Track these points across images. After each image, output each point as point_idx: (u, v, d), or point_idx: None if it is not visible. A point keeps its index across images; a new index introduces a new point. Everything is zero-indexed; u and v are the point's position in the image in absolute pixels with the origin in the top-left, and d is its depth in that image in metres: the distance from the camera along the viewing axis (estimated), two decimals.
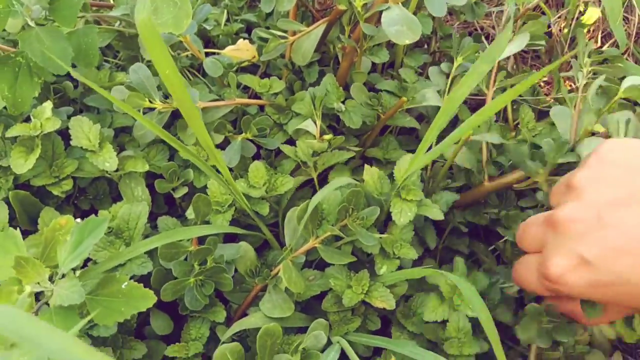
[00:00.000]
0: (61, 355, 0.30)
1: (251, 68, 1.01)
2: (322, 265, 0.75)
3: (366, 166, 0.76)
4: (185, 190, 0.79)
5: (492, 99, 0.86)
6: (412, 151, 0.79)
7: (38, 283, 0.57)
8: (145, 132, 0.80)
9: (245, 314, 0.73)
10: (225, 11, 1.10)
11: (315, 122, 0.79)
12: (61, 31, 0.74)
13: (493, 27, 1.34)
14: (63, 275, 0.58)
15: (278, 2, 0.75)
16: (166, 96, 0.80)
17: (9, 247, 0.60)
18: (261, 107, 0.89)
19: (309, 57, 0.85)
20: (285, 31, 0.85)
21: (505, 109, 0.94)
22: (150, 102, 0.76)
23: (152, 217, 0.76)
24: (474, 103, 1.11)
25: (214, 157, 0.66)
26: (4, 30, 0.78)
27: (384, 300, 0.67)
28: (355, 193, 0.68)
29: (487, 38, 1.32)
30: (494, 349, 0.57)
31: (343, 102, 0.81)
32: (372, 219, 0.70)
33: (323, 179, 0.86)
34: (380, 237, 0.71)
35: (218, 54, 0.94)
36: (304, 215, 0.68)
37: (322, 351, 0.63)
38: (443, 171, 0.82)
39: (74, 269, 0.63)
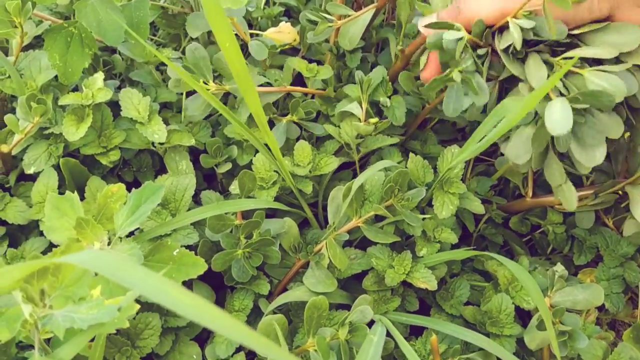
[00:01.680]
0: (156, 295, 0.31)
1: (290, 51, 1.02)
2: (361, 247, 0.76)
3: (411, 154, 0.77)
4: (229, 166, 0.80)
5: None
6: (450, 142, 0.81)
7: (96, 244, 0.58)
8: (195, 113, 0.80)
9: (285, 289, 0.74)
10: None
11: (361, 105, 0.79)
12: (115, 3, 0.75)
13: None
14: (120, 239, 0.59)
15: None
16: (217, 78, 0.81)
17: (66, 209, 0.62)
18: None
19: (356, 42, 0.85)
20: (331, 15, 0.86)
21: None
22: (205, 83, 0.76)
23: (194, 193, 0.77)
24: None
25: (267, 134, 0.67)
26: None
27: (426, 281, 0.68)
28: (402, 174, 0.69)
29: None
30: (551, 343, 0.58)
31: (389, 97, 0.82)
32: (416, 200, 0.70)
33: (363, 164, 0.86)
34: (424, 219, 0.72)
35: (260, 35, 0.95)
36: (348, 194, 0.69)
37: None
38: (491, 180, 0.84)
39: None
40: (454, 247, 0.77)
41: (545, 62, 0.60)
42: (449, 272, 0.78)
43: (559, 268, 0.71)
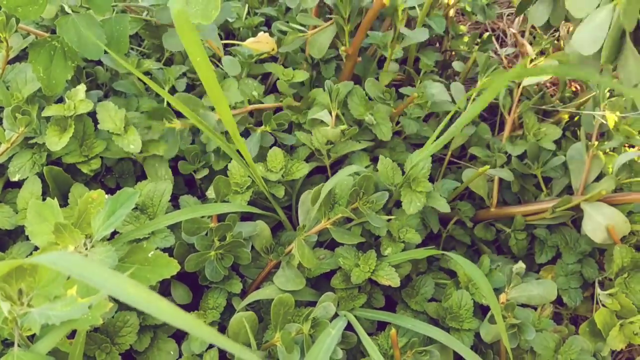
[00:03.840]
0: (119, 293, 0.35)
1: (270, 60, 1.06)
2: (332, 247, 0.80)
3: (380, 156, 0.81)
4: (206, 171, 0.84)
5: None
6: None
7: (74, 248, 0.62)
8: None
9: (258, 288, 0.78)
10: (247, 5, 1.15)
11: (330, 113, 0.83)
12: (96, 18, 0.79)
13: (503, 31, 1.38)
14: (96, 242, 0.63)
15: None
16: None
17: (47, 214, 0.66)
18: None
19: (324, 51, 0.89)
20: (305, 25, 0.90)
21: (510, 112, 0.99)
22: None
23: (174, 198, 0.81)
24: None
25: (238, 143, 0.71)
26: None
27: (390, 278, 0.72)
28: (366, 178, 0.73)
29: (497, 39, 1.37)
30: (501, 335, 0.62)
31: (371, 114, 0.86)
32: (381, 203, 0.74)
33: (336, 169, 0.91)
34: (389, 220, 0.76)
35: (239, 45, 0.99)
36: (318, 198, 0.73)
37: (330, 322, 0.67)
38: (456, 193, 0.88)
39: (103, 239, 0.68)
40: (421, 246, 0.81)
41: None
42: (415, 270, 0.82)
43: (518, 265, 0.75)
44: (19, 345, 0.52)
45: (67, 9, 0.77)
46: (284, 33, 0.89)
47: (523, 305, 0.74)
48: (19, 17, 0.78)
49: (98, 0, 0.78)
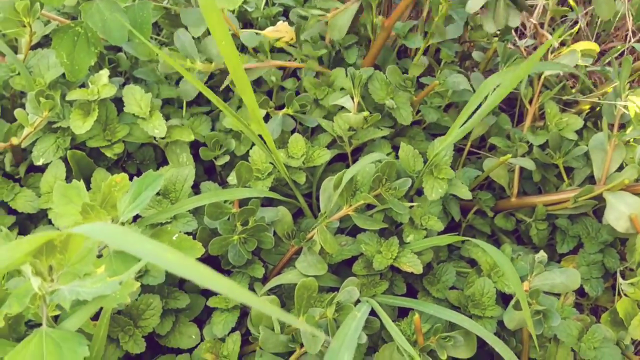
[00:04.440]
0: (158, 259, 0.35)
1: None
2: (353, 234, 0.80)
3: (402, 144, 0.81)
4: (227, 158, 0.85)
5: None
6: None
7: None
8: (188, 89, 0.85)
9: (280, 274, 0.78)
10: None
11: (353, 99, 0.83)
12: (119, 4, 0.79)
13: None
14: (122, 224, 0.63)
15: None
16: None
17: (72, 196, 0.66)
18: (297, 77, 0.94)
19: (344, 32, 0.89)
20: (325, 10, 0.90)
21: (531, 101, 0.98)
22: (191, 62, 0.81)
23: (194, 185, 0.81)
24: None
25: (261, 127, 0.71)
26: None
27: (412, 265, 0.72)
28: (389, 164, 0.73)
29: (516, 31, 1.36)
30: (527, 321, 0.62)
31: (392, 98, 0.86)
32: (403, 189, 0.74)
33: (357, 156, 0.90)
34: (411, 207, 0.76)
35: (258, 34, 0.99)
36: (339, 185, 0.73)
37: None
38: (477, 182, 0.87)
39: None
40: (442, 235, 0.81)
41: None
42: (436, 258, 0.81)
43: (540, 254, 0.75)
44: (46, 324, 0.53)
45: None
46: (305, 18, 0.89)
47: (546, 294, 0.73)
48: (43, 2, 0.78)
49: None
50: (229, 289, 0.37)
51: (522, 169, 0.87)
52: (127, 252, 0.60)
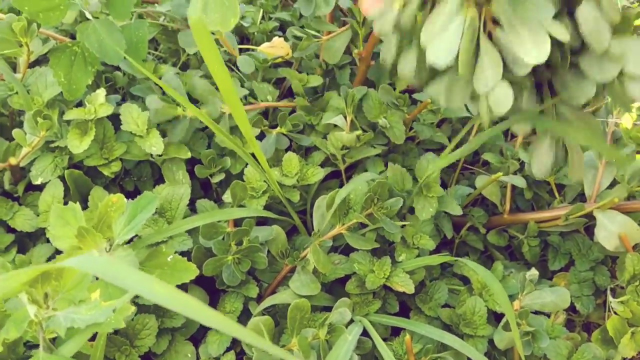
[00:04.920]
0: (149, 294, 0.36)
1: (284, 65, 1.07)
2: (346, 252, 0.80)
3: (389, 164, 0.82)
4: (222, 176, 0.85)
5: None
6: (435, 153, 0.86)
7: (97, 252, 0.63)
8: (177, 138, 0.85)
9: (274, 293, 0.79)
10: (261, 9, 1.16)
11: (345, 118, 0.84)
12: (116, 24, 0.80)
13: None
14: (117, 246, 0.64)
15: (316, 6, 0.80)
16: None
17: (69, 218, 0.67)
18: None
19: (339, 57, 0.90)
20: (319, 31, 0.91)
21: None
22: (183, 110, 0.82)
23: (190, 201, 0.82)
24: None
25: (254, 147, 0.72)
26: None
27: (404, 285, 0.73)
28: (381, 184, 0.74)
29: None
30: (515, 342, 0.63)
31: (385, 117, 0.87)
32: (395, 209, 0.75)
33: (351, 173, 0.91)
34: (403, 226, 0.77)
35: (254, 50, 1.00)
36: (332, 203, 0.74)
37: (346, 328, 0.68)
38: (469, 199, 0.88)
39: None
40: (435, 252, 0.82)
41: None
42: (429, 276, 0.83)
43: (531, 272, 0.76)
44: (43, 348, 0.54)
45: (87, 15, 0.78)
46: (299, 38, 0.90)
47: (536, 313, 0.74)
48: (40, 23, 0.79)
49: (119, 7, 0.79)
50: (219, 323, 0.39)
51: (514, 185, 0.88)
52: None
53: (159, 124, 0.91)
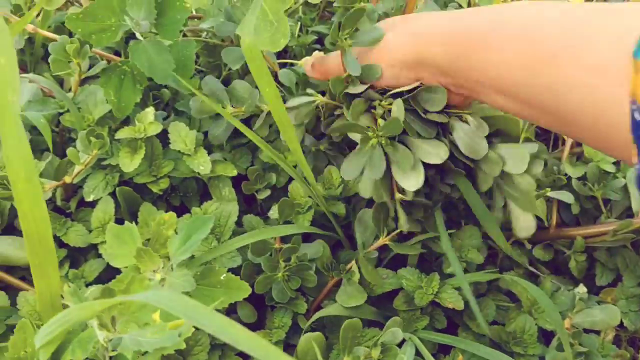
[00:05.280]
0: (221, 334, 0.37)
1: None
2: (392, 267, 0.81)
3: None
4: (268, 192, 0.87)
5: None
6: None
7: (153, 271, 0.65)
8: (218, 134, 0.87)
9: (319, 306, 0.80)
10: (299, 22, 1.17)
11: None
12: (164, 44, 0.82)
13: None
14: (174, 267, 0.66)
15: None
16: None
17: (126, 238, 0.69)
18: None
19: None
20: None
21: None
22: (223, 107, 0.83)
23: None
24: None
25: (301, 162, 0.73)
26: None
27: (453, 301, 0.73)
28: None
29: None
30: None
31: None
32: None
33: None
34: (450, 235, 0.77)
35: (293, 64, 1.01)
36: (378, 216, 0.75)
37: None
38: None
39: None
40: (479, 266, 0.82)
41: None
42: (475, 291, 0.83)
43: (581, 289, 0.75)
44: None
45: (138, 35, 0.80)
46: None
47: (586, 331, 0.74)
48: (92, 44, 0.81)
49: (168, 27, 0.81)
50: None
51: (560, 199, 0.87)
52: None
53: (204, 139, 0.93)
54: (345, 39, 0.69)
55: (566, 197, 0.83)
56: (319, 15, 1.20)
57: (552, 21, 0.52)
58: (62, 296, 0.58)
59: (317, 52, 1.00)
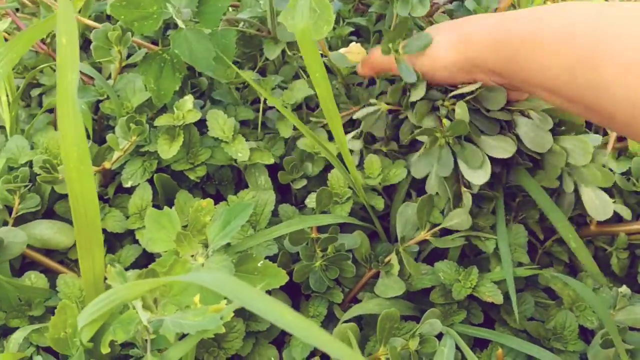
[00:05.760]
0: (273, 317, 0.37)
1: None
2: (429, 262, 0.80)
3: None
4: (304, 182, 0.86)
5: None
6: None
7: (192, 256, 0.65)
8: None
9: (355, 297, 0.79)
10: (336, 14, 1.16)
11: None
12: (205, 32, 0.82)
13: None
14: (213, 252, 0.66)
15: (412, 8, 0.79)
16: None
17: (165, 223, 0.69)
18: None
19: None
20: None
21: None
22: None
23: None
24: None
25: (344, 151, 0.73)
26: None
27: (493, 295, 0.72)
28: None
29: None
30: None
31: None
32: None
33: None
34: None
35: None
36: (421, 209, 0.74)
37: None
38: None
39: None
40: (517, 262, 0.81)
41: None
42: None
43: (623, 288, 0.74)
44: (150, 352, 0.55)
45: (179, 23, 0.80)
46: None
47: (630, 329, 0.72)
48: (134, 31, 0.82)
49: (209, 15, 0.81)
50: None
51: None
52: None
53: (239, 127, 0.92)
54: (397, 50, 0.73)
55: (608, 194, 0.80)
56: (354, 7, 1.19)
57: (589, 22, 0.55)
58: (105, 278, 0.58)
59: (353, 43, 1.00)
